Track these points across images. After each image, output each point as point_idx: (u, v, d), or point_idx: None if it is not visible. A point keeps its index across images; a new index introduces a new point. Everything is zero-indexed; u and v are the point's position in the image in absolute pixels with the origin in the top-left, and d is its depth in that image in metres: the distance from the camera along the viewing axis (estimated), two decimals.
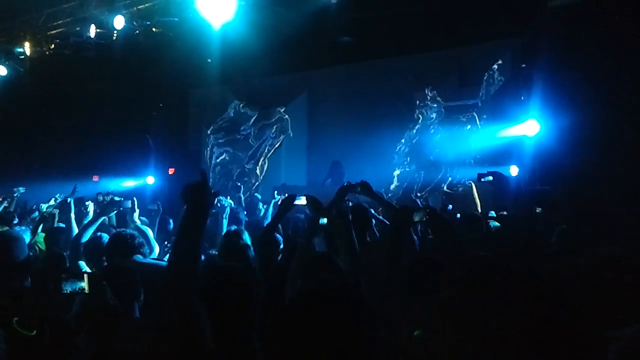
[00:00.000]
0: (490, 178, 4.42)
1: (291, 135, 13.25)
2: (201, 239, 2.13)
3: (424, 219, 3.34)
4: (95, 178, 14.04)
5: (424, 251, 4.48)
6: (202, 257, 4.65)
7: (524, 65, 9.71)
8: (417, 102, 11.40)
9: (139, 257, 3.95)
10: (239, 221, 5.90)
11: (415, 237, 4.99)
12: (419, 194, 10.64)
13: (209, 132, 14.20)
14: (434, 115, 11.26)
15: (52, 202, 6.76)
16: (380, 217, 5.10)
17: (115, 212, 5.23)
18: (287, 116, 13.24)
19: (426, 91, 11.30)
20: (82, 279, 1.91)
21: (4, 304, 2.20)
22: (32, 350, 1.94)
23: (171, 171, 14.42)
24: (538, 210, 7.29)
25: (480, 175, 4.18)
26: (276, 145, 13.53)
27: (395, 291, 2.81)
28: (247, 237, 4.45)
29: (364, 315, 1.57)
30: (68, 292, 1.87)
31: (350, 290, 1.70)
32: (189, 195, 2.09)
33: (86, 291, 1.90)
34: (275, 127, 13.47)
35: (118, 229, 4.56)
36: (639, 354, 1.70)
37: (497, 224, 3.99)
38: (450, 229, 3.63)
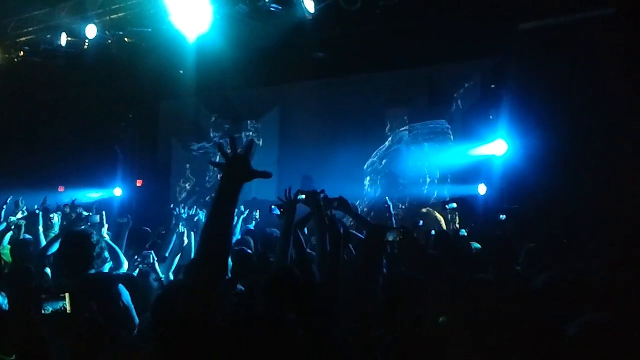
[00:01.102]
0: (455, 205, 4.52)
1: (260, 145, 13.19)
2: (230, 222, 2.07)
3: (399, 238, 3.34)
4: (61, 189, 13.80)
5: (395, 268, 4.50)
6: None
7: (493, 86, 9.90)
8: (388, 120, 11.51)
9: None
10: None
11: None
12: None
13: (179, 144, 14.06)
14: (404, 133, 11.38)
15: (20, 215, 6.60)
16: (355, 232, 5.11)
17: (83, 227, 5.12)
18: (253, 132, 13.18)
19: (397, 111, 11.43)
20: (63, 299, 1.84)
21: None
22: None
23: (139, 183, 14.23)
24: (502, 217, 7.47)
25: (445, 203, 4.26)
26: None
27: (371, 307, 2.82)
28: None
29: None
30: (49, 312, 1.81)
31: None
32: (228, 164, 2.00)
33: (68, 311, 1.84)
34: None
35: (72, 230, 4.40)
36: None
37: (478, 245, 4.04)
38: (422, 249, 3.66)
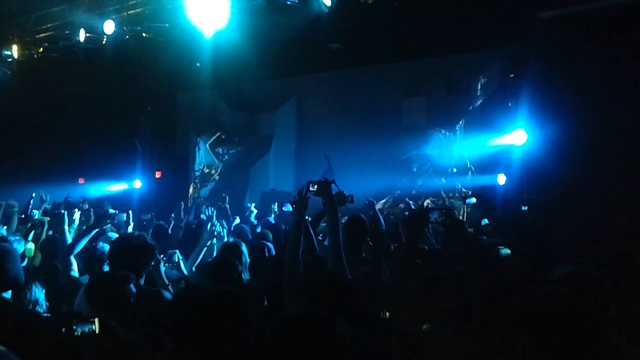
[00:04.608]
0: (474, 200, 4.50)
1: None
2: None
3: (441, 219, 3.29)
4: (81, 180, 14.00)
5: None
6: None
7: (512, 75, 9.80)
8: (405, 110, 11.46)
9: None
10: (244, 235, 5.63)
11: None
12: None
13: (198, 137, 14.11)
14: (422, 123, 11.32)
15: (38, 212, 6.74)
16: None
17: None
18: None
19: (414, 100, 11.37)
20: (92, 323, 1.88)
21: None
22: None
23: (158, 175, 14.36)
24: (524, 208, 7.39)
25: (465, 197, 4.26)
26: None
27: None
28: (244, 249, 4.38)
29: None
30: (79, 334, 1.86)
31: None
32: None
33: (96, 332, 1.88)
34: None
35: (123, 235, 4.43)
36: None
37: (508, 251, 3.99)
38: (464, 229, 3.59)
